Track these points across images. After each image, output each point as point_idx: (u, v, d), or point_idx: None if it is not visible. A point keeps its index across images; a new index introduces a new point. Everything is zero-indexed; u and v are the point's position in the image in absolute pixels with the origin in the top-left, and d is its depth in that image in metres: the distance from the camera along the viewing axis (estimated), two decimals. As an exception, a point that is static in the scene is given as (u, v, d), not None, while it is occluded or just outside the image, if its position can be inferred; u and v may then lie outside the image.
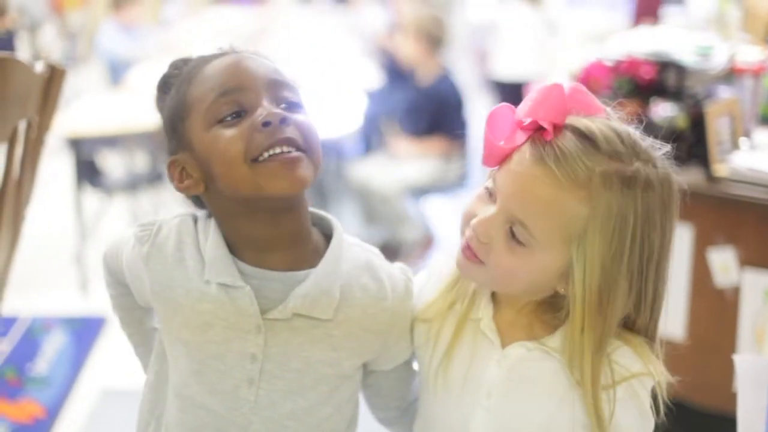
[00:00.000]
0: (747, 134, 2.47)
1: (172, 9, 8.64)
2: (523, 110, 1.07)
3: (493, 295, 1.18)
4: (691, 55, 2.60)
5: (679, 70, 2.56)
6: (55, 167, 4.69)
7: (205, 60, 1.15)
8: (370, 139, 4.79)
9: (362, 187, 4.30)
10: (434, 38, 4.36)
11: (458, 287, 1.20)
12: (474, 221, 1.08)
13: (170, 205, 4.25)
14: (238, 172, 1.06)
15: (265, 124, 1.06)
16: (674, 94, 2.51)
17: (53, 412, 2.90)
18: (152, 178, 4.46)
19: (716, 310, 2.26)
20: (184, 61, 1.19)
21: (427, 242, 4.32)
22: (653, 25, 3.49)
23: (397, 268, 1.23)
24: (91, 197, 4.46)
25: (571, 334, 1.08)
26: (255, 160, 1.06)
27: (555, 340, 1.11)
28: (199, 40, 5.62)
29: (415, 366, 1.27)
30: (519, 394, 1.12)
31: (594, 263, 1.03)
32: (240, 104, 1.09)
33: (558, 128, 1.04)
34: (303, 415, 1.14)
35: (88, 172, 4.38)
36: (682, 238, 2.25)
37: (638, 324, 1.11)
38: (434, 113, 4.28)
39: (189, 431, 1.15)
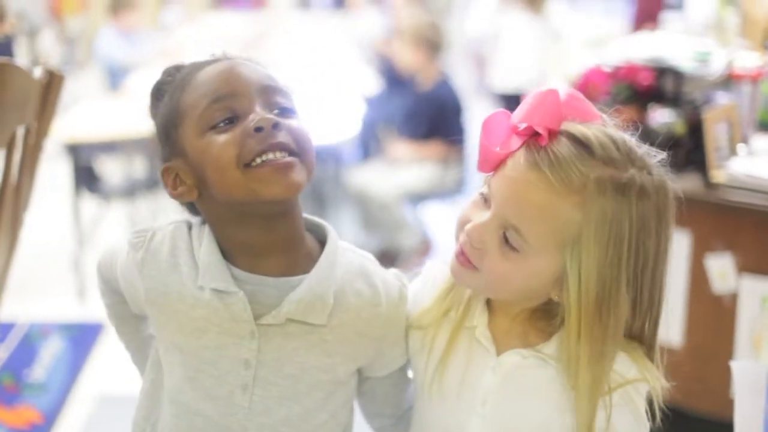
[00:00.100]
0: (745, 140, 2.47)
1: (171, 14, 8.64)
2: (518, 115, 1.07)
3: (488, 303, 1.17)
4: (689, 61, 2.60)
5: (677, 76, 2.57)
6: (54, 173, 4.68)
7: (197, 67, 1.16)
8: (368, 145, 4.79)
9: (360, 193, 4.30)
10: (432, 44, 4.37)
11: (453, 295, 1.19)
12: (468, 226, 1.08)
13: (168, 211, 4.24)
14: (231, 177, 1.06)
15: (258, 129, 1.06)
16: (672, 100, 2.51)
17: (50, 418, 2.89)
18: (150, 184, 4.45)
19: (714, 316, 2.26)
20: (177, 69, 1.19)
21: (425, 248, 4.32)
22: (652, 31, 3.49)
23: (391, 273, 1.23)
24: (89, 203, 4.46)
25: (567, 342, 1.07)
26: (248, 165, 1.06)
27: (550, 347, 1.11)
28: (198, 45, 5.62)
29: (410, 374, 1.26)
30: (514, 402, 1.12)
31: (589, 270, 1.03)
32: (233, 110, 1.09)
33: (553, 134, 1.04)
34: (298, 422, 1.14)
35: (86, 178, 4.38)
36: (680, 245, 2.25)
37: (634, 330, 1.10)
38: (433, 118, 4.29)
39: (184, 438, 1.15)
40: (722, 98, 2.53)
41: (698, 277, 2.26)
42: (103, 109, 4.64)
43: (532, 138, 1.05)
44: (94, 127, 4.19)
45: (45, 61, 6.99)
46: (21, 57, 6.33)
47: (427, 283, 1.24)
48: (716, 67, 2.61)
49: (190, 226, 1.18)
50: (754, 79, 2.55)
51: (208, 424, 1.13)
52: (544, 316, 1.13)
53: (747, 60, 2.67)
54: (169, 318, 1.13)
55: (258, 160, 1.06)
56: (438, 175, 4.28)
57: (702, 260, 2.24)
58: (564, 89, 1.09)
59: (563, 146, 1.03)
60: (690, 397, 2.20)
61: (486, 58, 6.03)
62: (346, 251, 1.20)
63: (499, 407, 1.13)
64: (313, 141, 1.13)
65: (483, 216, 1.08)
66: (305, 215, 1.19)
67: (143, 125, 3.84)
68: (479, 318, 1.16)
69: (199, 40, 6.13)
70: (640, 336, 1.12)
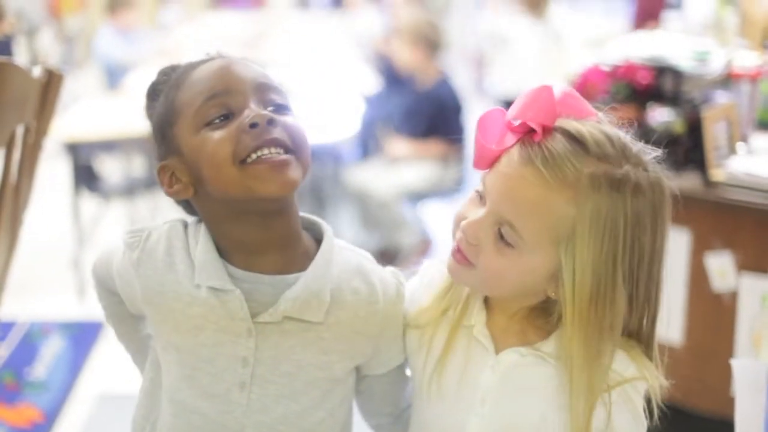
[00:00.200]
0: (744, 139, 2.48)
1: (169, 13, 8.64)
2: (513, 112, 1.07)
3: (486, 302, 1.17)
4: (688, 60, 2.60)
5: (677, 75, 2.56)
6: (53, 172, 4.69)
7: (192, 66, 1.16)
8: (368, 144, 4.79)
9: (360, 192, 4.29)
10: (431, 43, 4.37)
11: (451, 294, 1.19)
12: (463, 223, 1.08)
13: (167, 210, 4.23)
14: (227, 174, 1.06)
15: (253, 125, 1.06)
16: (671, 99, 2.51)
17: (51, 416, 2.89)
18: (150, 183, 4.45)
19: (714, 314, 2.26)
20: (173, 68, 1.19)
21: (424, 247, 4.32)
22: (651, 30, 3.50)
23: (388, 271, 1.23)
24: (89, 202, 4.45)
25: (563, 338, 1.08)
26: (243, 162, 1.06)
27: (549, 345, 1.11)
28: (197, 44, 5.61)
29: (408, 373, 1.26)
30: (513, 400, 1.12)
31: (584, 265, 1.02)
32: (227, 107, 1.09)
33: (547, 130, 1.04)
34: (295, 420, 1.14)
35: (85, 177, 4.37)
36: (680, 243, 2.25)
37: (632, 328, 1.10)
38: (433, 116, 4.29)
39: (182, 436, 1.15)
40: (721, 97, 2.54)
41: (698, 276, 2.26)
42: (102, 108, 4.63)
43: (526, 134, 1.05)
44: (93, 126, 4.19)
45: (44, 60, 6.99)
46: (20, 56, 6.32)
47: (424, 282, 1.24)
48: (715, 66, 2.61)
49: (185, 225, 1.18)
50: (753, 79, 2.55)
51: (205, 422, 1.13)
52: (543, 314, 1.12)
53: (746, 59, 2.67)
54: (166, 317, 1.13)
55: (253, 156, 1.06)
56: (437, 174, 4.28)
57: (702, 259, 2.25)
58: (559, 87, 1.09)
59: (557, 142, 1.03)
60: (690, 395, 2.20)
61: (485, 59, 6.02)
62: (343, 249, 1.20)
63: (498, 406, 1.12)
64: (309, 138, 1.13)
65: (478, 212, 1.08)
66: (302, 213, 1.19)
67: (142, 124, 3.84)
68: (477, 316, 1.16)
69: (198, 40, 6.13)
70: (638, 334, 1.11)
